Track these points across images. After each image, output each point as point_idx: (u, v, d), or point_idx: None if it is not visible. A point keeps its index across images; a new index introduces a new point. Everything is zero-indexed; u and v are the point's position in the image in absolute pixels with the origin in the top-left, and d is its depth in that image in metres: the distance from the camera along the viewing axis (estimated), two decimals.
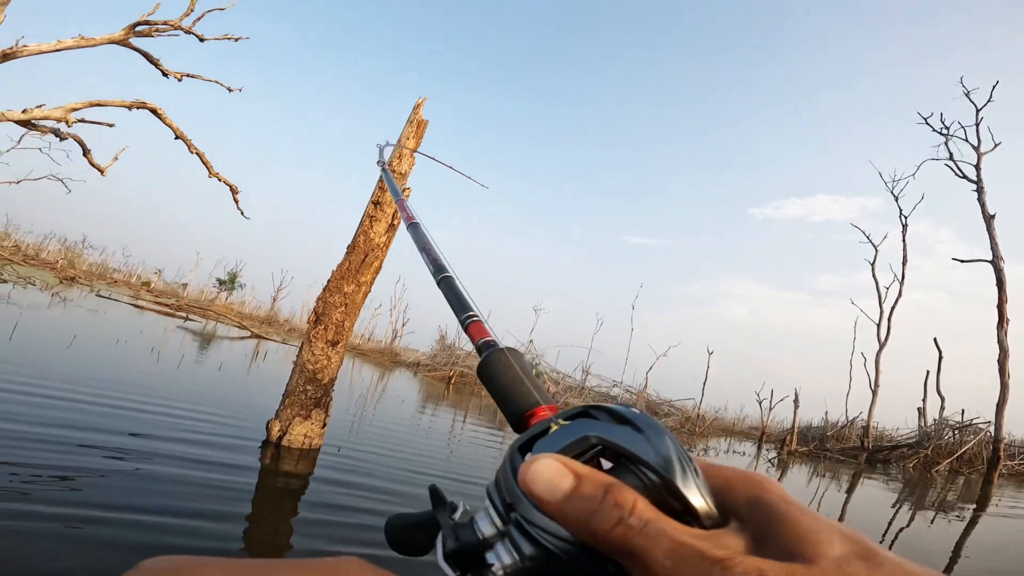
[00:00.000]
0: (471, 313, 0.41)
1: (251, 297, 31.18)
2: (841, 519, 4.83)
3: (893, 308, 15.61)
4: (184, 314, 16.26)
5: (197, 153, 8.11)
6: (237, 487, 2.57)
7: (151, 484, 2.34)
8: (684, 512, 0.22)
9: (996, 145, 12.77)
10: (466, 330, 0.41)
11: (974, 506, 6.66)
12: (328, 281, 3.72)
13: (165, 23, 7.92)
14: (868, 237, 16.77)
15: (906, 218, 15.79)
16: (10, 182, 17.02)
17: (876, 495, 7.11)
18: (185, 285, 31.52)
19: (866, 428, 14.25)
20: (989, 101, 12.96)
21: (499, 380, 0.34)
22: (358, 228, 3.73)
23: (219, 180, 8.28)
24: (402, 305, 28.95)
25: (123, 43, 7.85)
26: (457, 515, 0.28)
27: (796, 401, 14.35)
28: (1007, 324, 11.24)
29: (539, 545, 0.23)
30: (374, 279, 3.76)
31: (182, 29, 8.11)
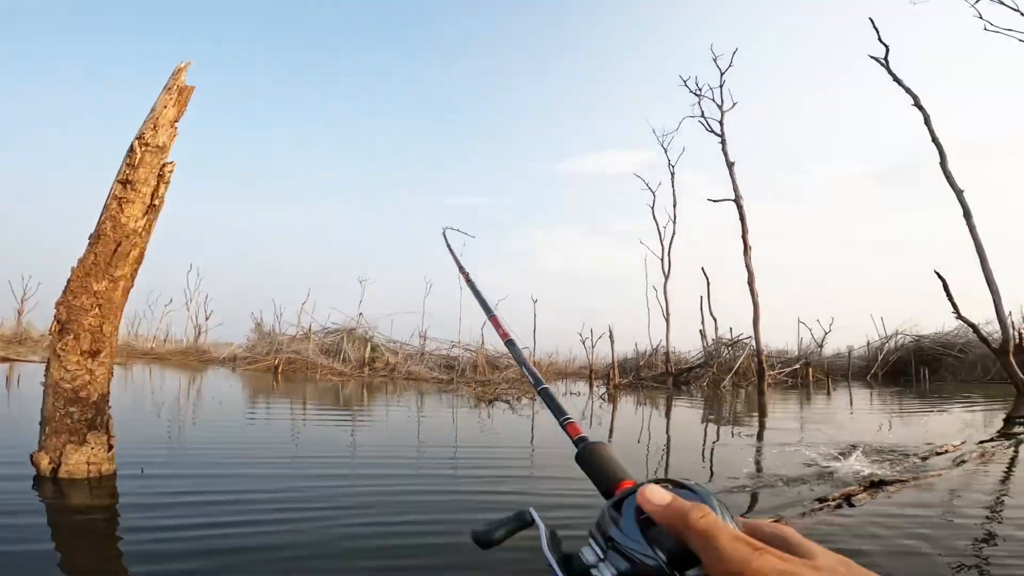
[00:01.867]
0: (568, 416, 0.53)
1: None
2: (668, 442, 5.52)
3: (671, 244, 18.42)
4: None
5: None
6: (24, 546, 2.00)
7: None
8: None
9: (734, 104, 15.54)
10: (564, 429, 0.52)
11: (757, 414, 8.03)
12: (69, 281, 2.87)
13: None
14: (647, 184, 19.56)
15: (673, 167, 18.57)
16: None
17: (686, 415, 8.34)
18: None
19: (667, 355, 16.76)
20: (730, 66, 15.57)
21: (592, 464, 0.47)
22: (103, 214, 2.88)
23: None
24: (200, 297, 25.16)
25: None
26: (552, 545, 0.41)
27: (611, 337, 16.07)
28: (750, 251, 14.02)
29: (632, 561, 0.36)
30: (135, 271, 3.00)
31: None
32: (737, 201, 14.20)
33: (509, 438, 5.33)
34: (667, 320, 17.58)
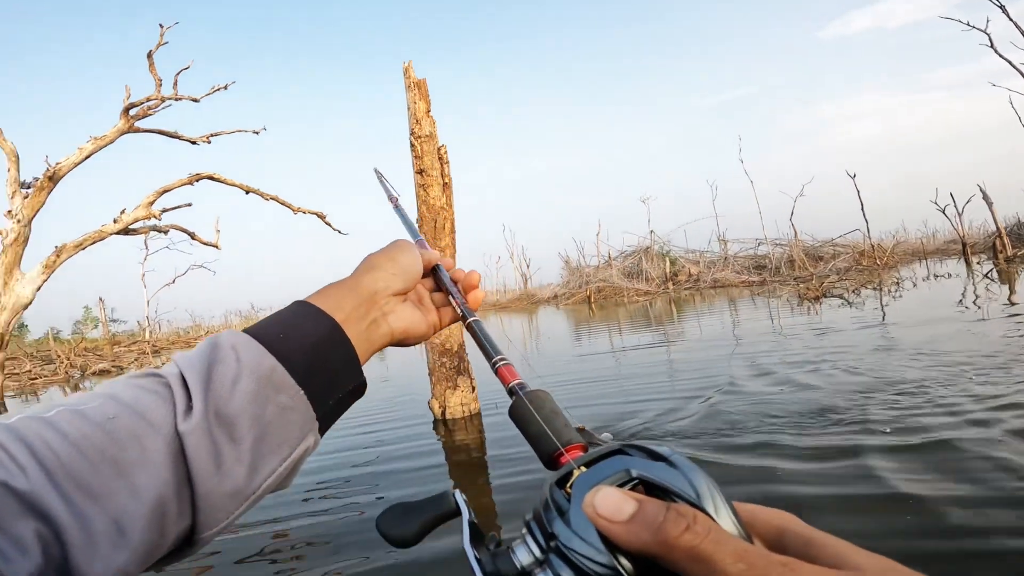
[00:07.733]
0: (500, 356, 0.43)
1: None
2: None
3: None
4: None
5: (272, 198, 8.63)
6: (438, 467, 2.70)
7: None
8: None
9: None
10: (496, 373, 0.42)
11: None
12: None
13: (148, 99, 7.87)
14: (970, 24, 13.49)
15: None
16: (167, 284, 20.28)
17: None
18: None
19: None
20: None
21: (529, 422, 0.35)
22: (417, 201, 3.64)
23: (304, 213, 8.81)
24: (518, 249, 29.33)
25: (132, 130, 7.85)
26: (492, 545, 0.29)
27: (987, 198, 12.17)
28: None
29: (579, 571, 0.24)
30: (454, 239, 3.69)
31: (171, 98, 7.99)
32: None
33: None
34: None
